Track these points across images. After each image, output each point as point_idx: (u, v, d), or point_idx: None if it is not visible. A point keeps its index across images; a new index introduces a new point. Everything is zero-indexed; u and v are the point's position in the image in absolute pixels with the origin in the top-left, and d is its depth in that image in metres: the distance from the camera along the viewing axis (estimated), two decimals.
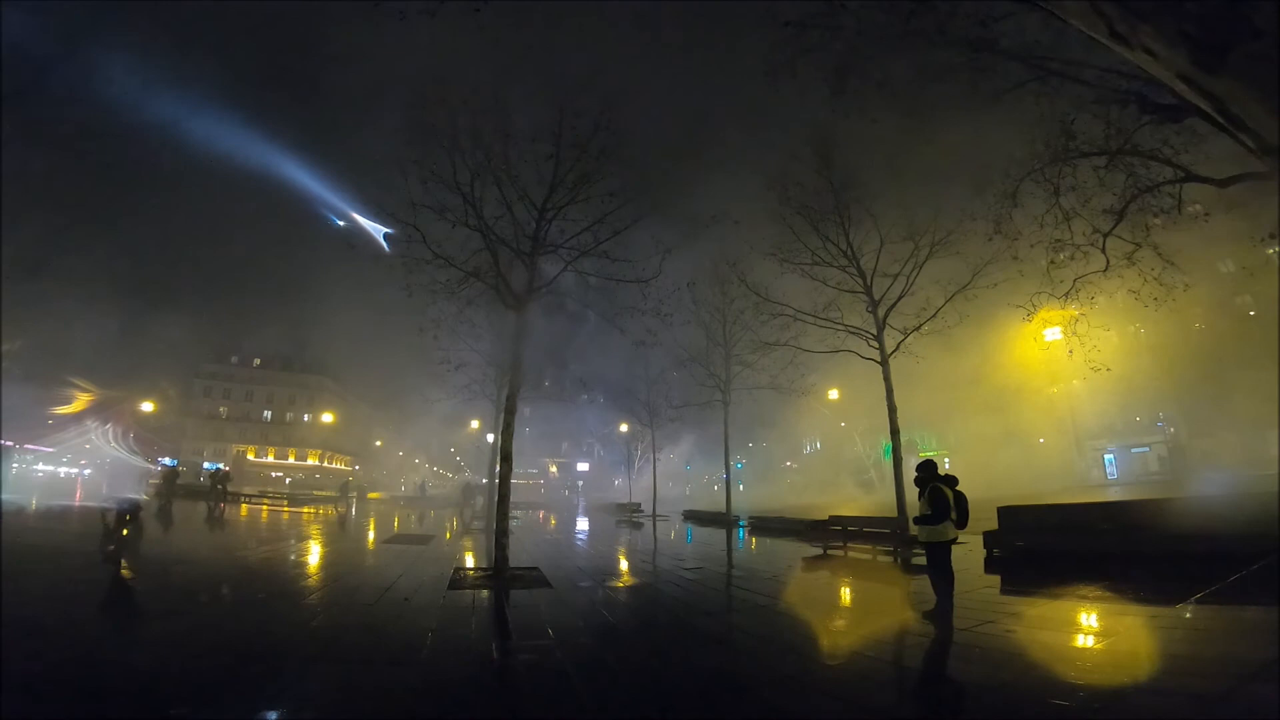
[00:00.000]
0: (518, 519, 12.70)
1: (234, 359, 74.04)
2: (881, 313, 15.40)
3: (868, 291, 15.54)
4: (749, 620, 7.19)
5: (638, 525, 25.22)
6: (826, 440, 59.09)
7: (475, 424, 34.77)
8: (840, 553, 13.17)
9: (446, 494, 36.97)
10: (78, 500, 22.85)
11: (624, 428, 41.35)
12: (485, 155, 9.83)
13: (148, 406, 52.45)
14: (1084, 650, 5.67)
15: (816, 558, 12.88)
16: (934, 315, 14.89)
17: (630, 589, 9.27)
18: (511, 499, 10.69)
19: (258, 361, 75.01)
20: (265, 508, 27.74)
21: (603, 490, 64.35)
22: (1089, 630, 6.36)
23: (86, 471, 52.36)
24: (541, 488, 75.01)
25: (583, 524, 24.96)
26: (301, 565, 10.69)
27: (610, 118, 10.25)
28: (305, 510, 27.57)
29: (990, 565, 10.52)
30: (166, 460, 46.47)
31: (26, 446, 50.77)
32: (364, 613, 6.72)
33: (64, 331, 49.77)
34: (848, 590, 9.64)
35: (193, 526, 14.54)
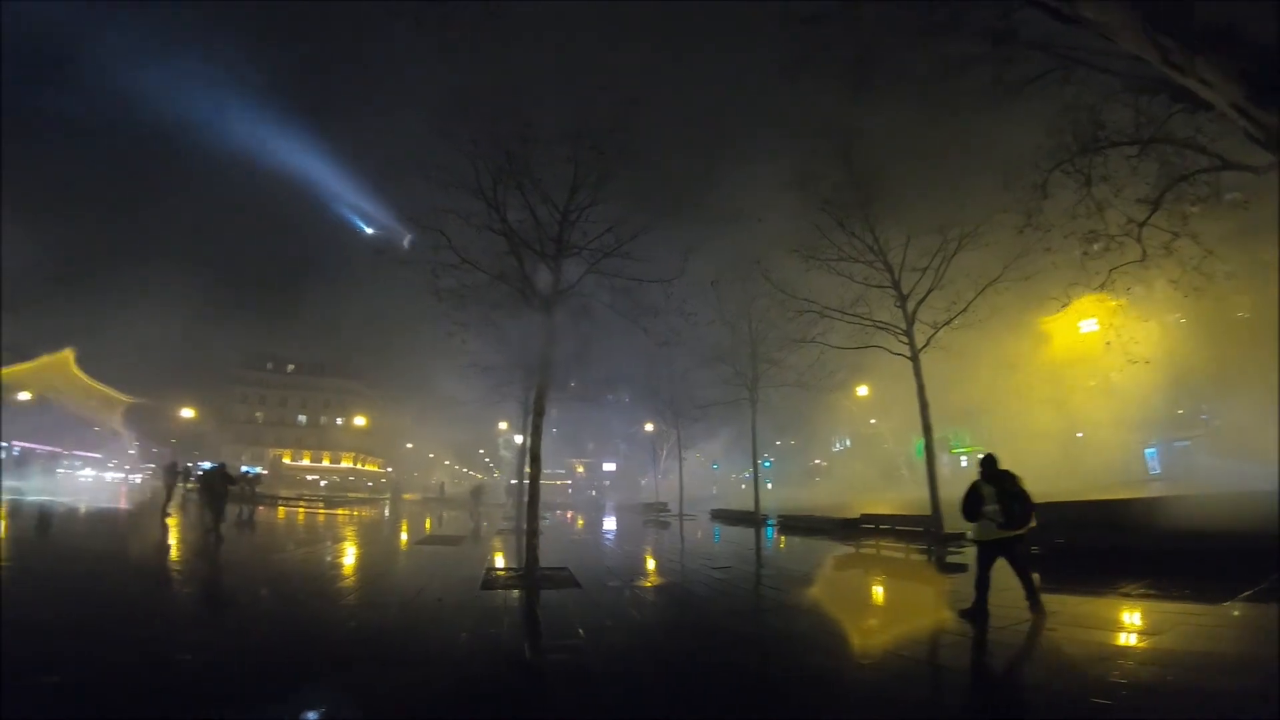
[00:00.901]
0: (546, 519, 12.79)
1: (268, 365, 76.09)
2: (911, 307, 15.13)
3: (896, 286, 15.29)
4: (779, 620, 7.16)
5: (665, 525, 25.22)
6: (856, 438, 58.31)
7: (503, 425, 35.14)
8: (872, 551, 13.01)
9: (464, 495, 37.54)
10: (122, 504, 23.64)
11: (649, 427, 41.36)
12: (506, 159, 9.93)
13: (188, 413, 54.12)
14: (1127, 648, 5.52)
15: (848, 556, 12.75)
16: (965, 309, 14.59)
17: (659, 589, 9.28)
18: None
19: (291, 367, 77.02)
20: (302, 510, 28.43)
21: (629, 490, 64.45)
22: (1132, 628, 6.18)
23: (134, 477, 54.20)
24: (568, 488, 75.43)
25: (610, 524, 25.07)
26: (339, 566, 10.91)
27: (627, 118, 10.28)
28: (340, 512, 28.19)
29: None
30: (206, 464, 47.82)
31: (74, 452, 52.76)
32: (400, 613, 6.84)
33: (109, 340, 51.76)
34: (880, 589, 9.52)
35: (229, 529, 14.91)
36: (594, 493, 71.91)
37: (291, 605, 7.27)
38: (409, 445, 79.68)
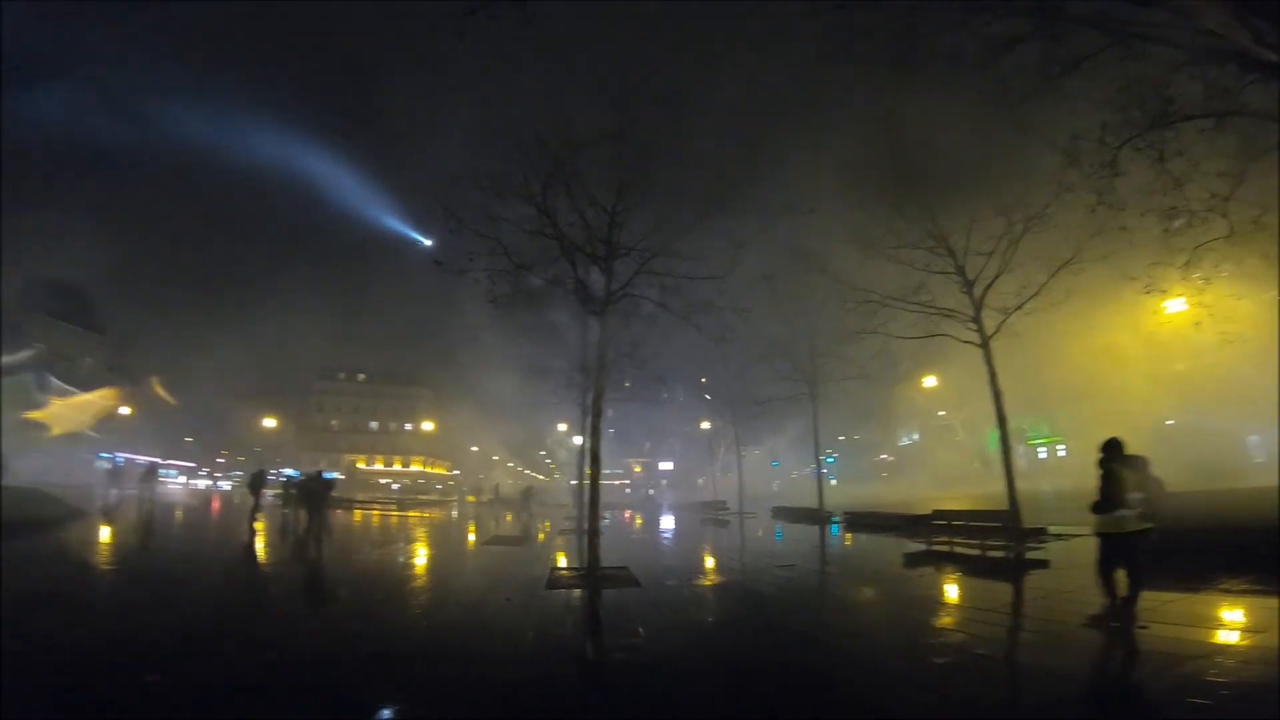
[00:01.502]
0: (605, 519, 12.90)
1: (341, 375, 80.00)
2: (978, 292, 14.45)
3: (960, 272, 14.62)
4: (847, 618, 6.97)
5: (724, 523, 24.98)
6: (925, 431, 56.17)
7: (562, 427, 35.64)
8: (945, 548, 12.50)
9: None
10: (215, 510, 25.26)
11: (705, 425, 41.08)
12: (553, 164, 10.05)
13: (270, 423, 57.53)
14: (1226, 647, 5.10)
15: (919, 554, 12.29)
16: (1037, 293, 13.81)
17: (719, 587, 9.19)
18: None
19: (362, 376, 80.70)
20: (376, 513, 29.68)
21: (687, 489, 64.21)
22: (1233, 625, 5.71)
23: (223, 484, 57.97)
24: (626, 488, 75.79)
25: (668, 523, 25.03)
26: (413, 567, 11.32)
27: (666, 116, 10.24)
28: (411, 514, 29.28)
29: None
30: (288, 471, 50.61)
31: (170, 462, 56.81)
32: (471, 612, 7.05)
33: (198, 357, 55.68)
34: (955, 587, 9.14)
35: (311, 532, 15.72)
36: (651, 492, 71.97)
37: (371, 605, 7.58)
38: (474, 448, 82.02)
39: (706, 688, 4.48)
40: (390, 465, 77.12)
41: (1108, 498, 5.85)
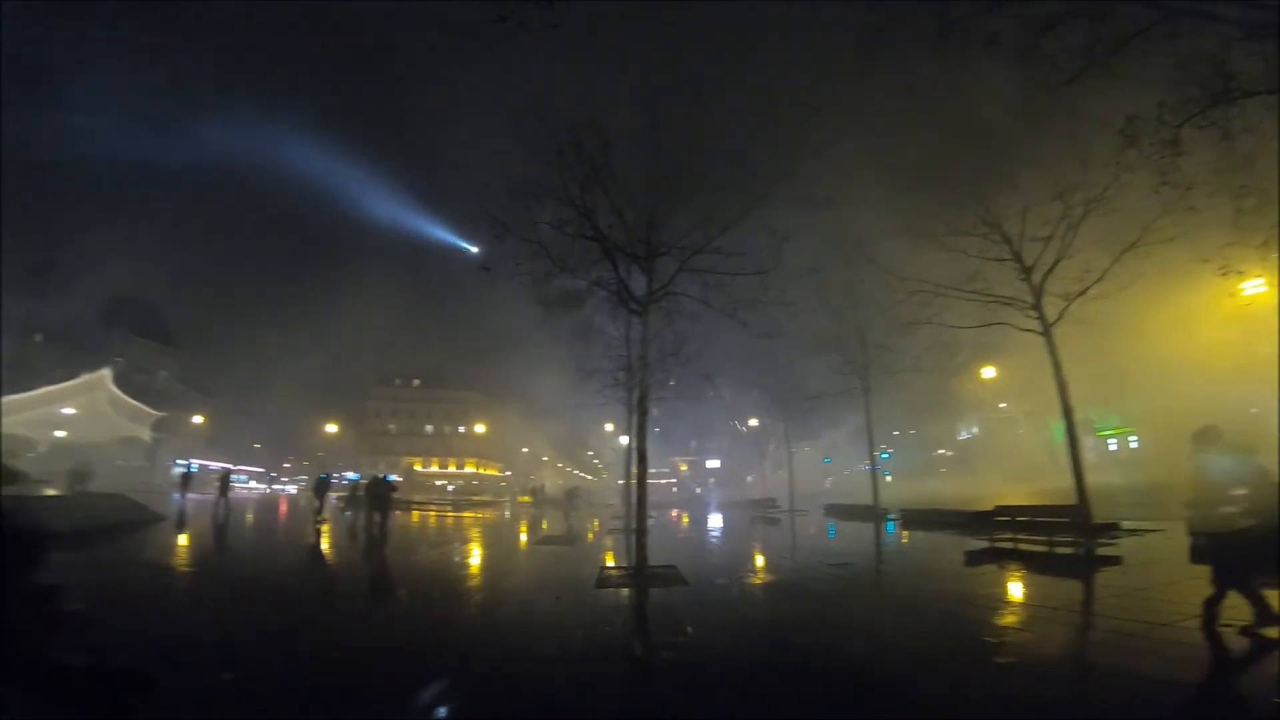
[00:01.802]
0: (653, 518, 12.88)
1: (397, 381, 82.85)
2: (1037, 279, 13.84)
3: (1017, 258, 14.04)
4: (905, 617, 6.73)
5: (774, 521, 24.61)
6: (985, 424, 54.13)
7: (609, 427, 35.79)
8: (1009, 545, 11.99)
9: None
10: (282, 515, 26.42)
11: (753, 422, 40.60)
12: (589, 165, 10.09)
13: (331, 428, 59.96)
14: None
15: (981, 551, 11.82)
16: (1100, 278, 13.12)
17: (769, 586, 9.04)
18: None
19: (417, 382, 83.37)
20: (433, 514, 30.52)
21: (735, 487, 63.61)
22: None
23: (290, 489, 60.72)
24: (673, 487, 75.65)
25: (716, 521, 24.81)
26: (468, 566, 11.58)
27: (703, 112, 10.15)
28: (466, 515, 29.97)
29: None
30: (350, 475, 52.60)
31: (240, 467, 59.85)
32: (522, 610, 7.16)
33: (267, 370, 58.56)
34: (1020, 585, 8.75)
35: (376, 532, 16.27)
36: (699, 490, 71.64)
37: (428, 603, 7.79)
38: (524, 450, 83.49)
39: (756, 687, 4.41)
40: (445, 467, 79.28)
41: (1204, 492, 5.34)
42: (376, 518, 14.89)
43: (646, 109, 10.31)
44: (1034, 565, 10.07)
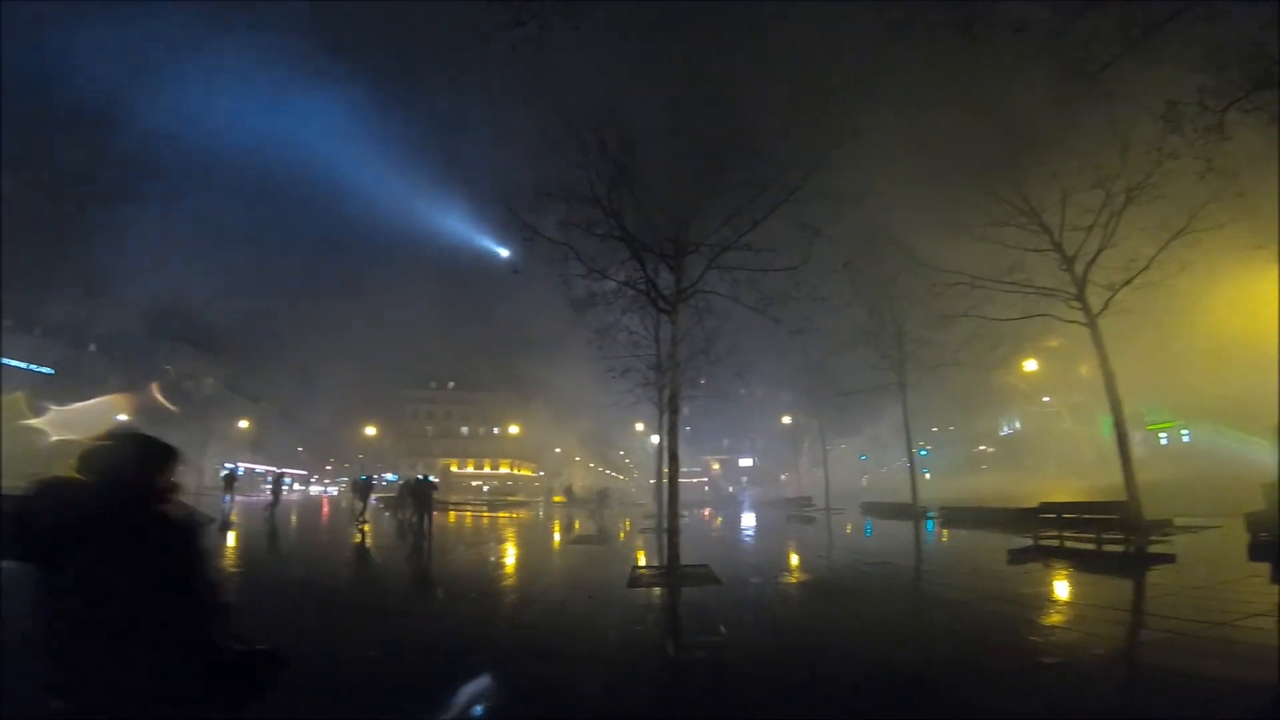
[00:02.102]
0: (685, 517, 12.89)
1: (432, 384, 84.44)
2: (1080, 269, 13.40)
3: (1058, 248, 13.62)
4: (944, 616, 6.58)
5: (809, 520, 24.30)
6: (1027, 419, 52.54)
7: (640, 426, 35.77)
8: (1054, 543, 11.64)
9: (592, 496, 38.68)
10: (325, 516, 27.13)
11: (787, 420, 40.12)
12: (615, 166, 10.11)
13: (370, 431, 61.42)
14: None
15: (1025, 550, 11.50)
16: (1147, 266, 12.64)
17: (803, 585, 8.95)
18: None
19: (452, 384, 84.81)
20: (469, 514, 30.99)
21: (769, 486, 63.04)
22: None
23: (332, 490, 62.37)
24: (705, 486, 75.30)
25: (749, 520, 24.62)
26: (504, 566, 11.71)
27: (724, 109, 10.07)
28: (501, 515, 30.36)
29: (1256, 552, 8.69)
30: (389, 475, 53.78)
31: (285, 470, 61.72)
32: (556, 610, 7.19)
33: (309, 375, 60.35)
34: (1067, 584, 8.49)
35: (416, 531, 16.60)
36: (731, 489, 71.18)
37: (466, 603, 7.89)
38: (557, 450, 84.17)
39: (791, 688, 4.36)
40: (480, 468, 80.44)
41: None
42: (416, 518, 15.23)
43: (671, 107, 10.30)
44: (1081, 564, 9.75)
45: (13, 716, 3.32)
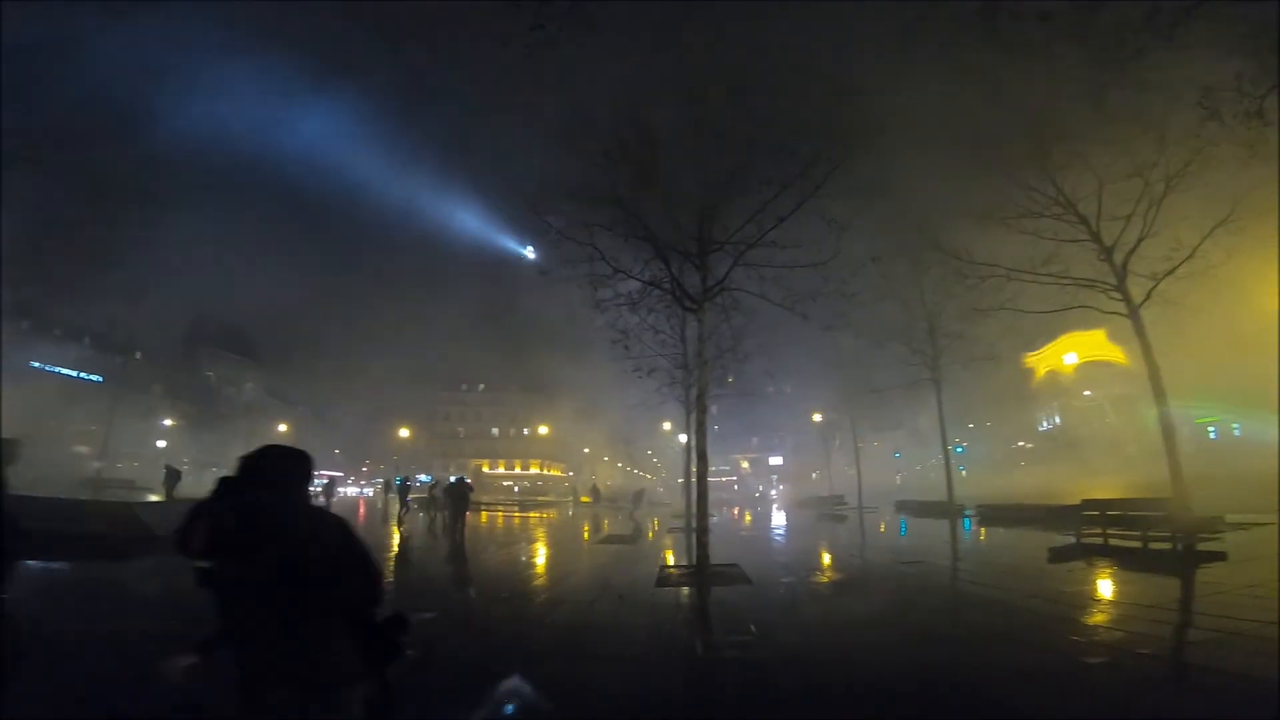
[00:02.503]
0: (714, 516, 12.86)
1: (463, 386, 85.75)
2: (1119, 259, 13.03)
3: (1095, 238, 13.27)
4: (982, 615, 6.44)
5: (842, 519, 24.00)
6: (1067, 413, 51.08)
7: (667, 425, 35.67)
8: (1097, 540, 11.30)
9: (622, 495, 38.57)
10: (361, 516, 27.68)
11: (818, 417, 39.65)
12: (636, 166, 10.11)
13: (404, 433, 62.62)
14: None
15: (1067, 548, 11.20)
16: (1190, 255, 12.23)
17: (836, 584, 8.84)
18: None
19: (483, 386, 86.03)
20: (500, 514, 31.34)
21: (799, 484, 62.41)
22: None
23: (368, 491, 63.65)
24: (734, 485, 74.89)
25: (780, 520, 24.40)
26: (533, 565, 11.81)
27: (745, 105, 10.00)
28: (531, 515, 30.63)
29: None
30: (423, 477, 54.68)
31: (323, 472, 63.26)
32: (586, 610, 7.15)
33: (345, 383, 61.92)
34: (1111, 583, 8.25)
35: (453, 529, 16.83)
36: (761, 488, 70.65)
37: (496, 603, 7.94)
38: (585, 450, 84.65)
39: (824, 688, 4.30)
40: (511, 469, 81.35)
41: None
42: (451, 518, 15.54)
43: (692, 104, 10.27)
44: (1127, 562, 9.45)
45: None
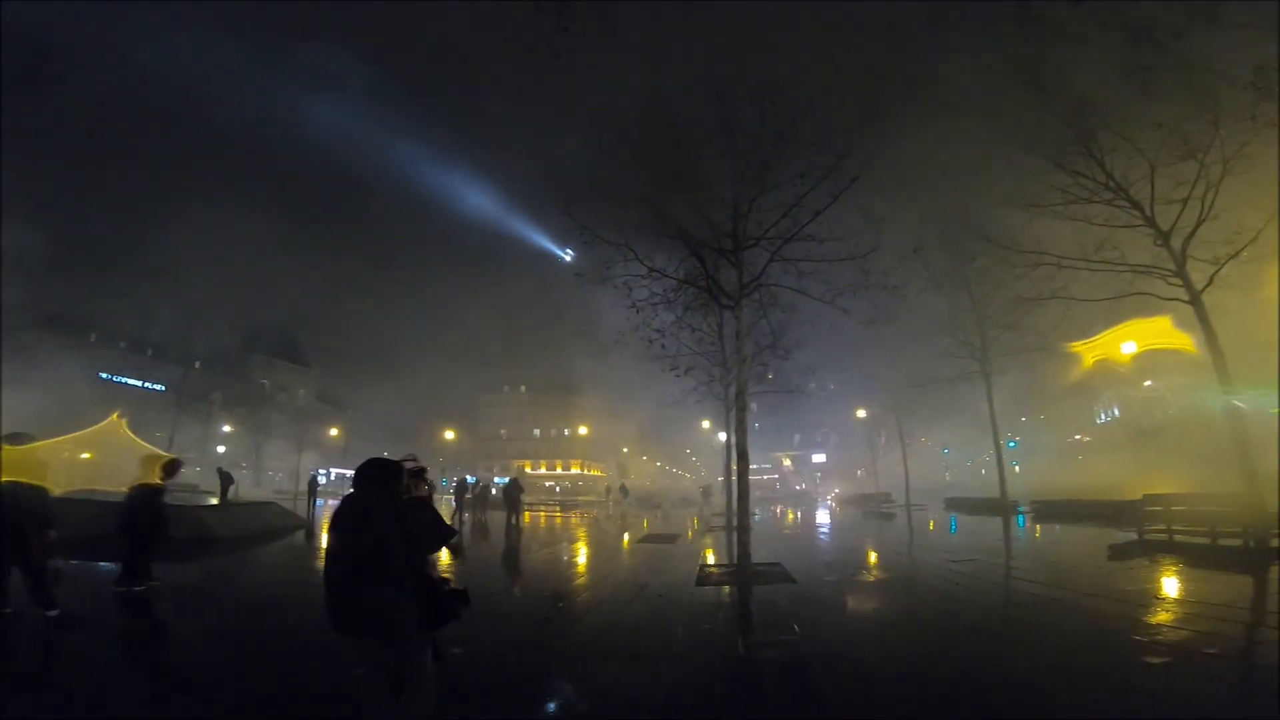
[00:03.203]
0: (755, 515, 12.74)
1: (505, 388, 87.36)
2: (1178, 244, 12.46)
3: (1150, 223, 12.72)
4: (1037, 615, 6.22)
5: (888, 517, 23.48)
6: (1127, 405, 48.71)
7: (705, 424, 35.49)
8: (1162, 537, 10.81)
9: (645, 496, 38.39)
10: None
11: (862, 413, 38.87)
12: (667, 164, 10.11)
13: (449, 435, 64.06)
14: None
15: (1128, 545, 10.77)
16: (1254, 239, 11.62)
17: (883, 583, 8.66)
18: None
19: (524, 388, 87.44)
20: (542, 513, 31.76)
21: (844, 482, 61.25)
22: None
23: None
24: (776, 483, 74.01)
25: (823, 518, 24.03)
26: (575, 565, 11.91)
27: (774, 100, 9.88)
28: (573, 515, 30.93)
29: None
30: (468, 478, 55.77)
31: None
32: (625, 609, 7.18)
33: (393, 386, 63.79)
34: (1177, 581, 7.86)
35: (496, 533, 17.15)
36: (802, 486, 69.61)
37: (540, 603, 8.03)
38: (624, 450, 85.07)
39: (871, 690, 4.23)
40: (552, 469, 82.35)
41: None
42: (509, 516, 16.05)
43: (720, 100, 10.22)
44: (1194, 559, 9.02)
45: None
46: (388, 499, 2.93)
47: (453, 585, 3.07)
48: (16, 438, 5.68)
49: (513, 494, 16.36)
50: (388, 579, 2.73)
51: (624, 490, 36.15)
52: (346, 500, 2.96)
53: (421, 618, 2.83)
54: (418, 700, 2.86)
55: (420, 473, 3.61)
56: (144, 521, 7.19)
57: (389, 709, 2.78)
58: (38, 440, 6.05)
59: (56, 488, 5.78)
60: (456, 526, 8.57)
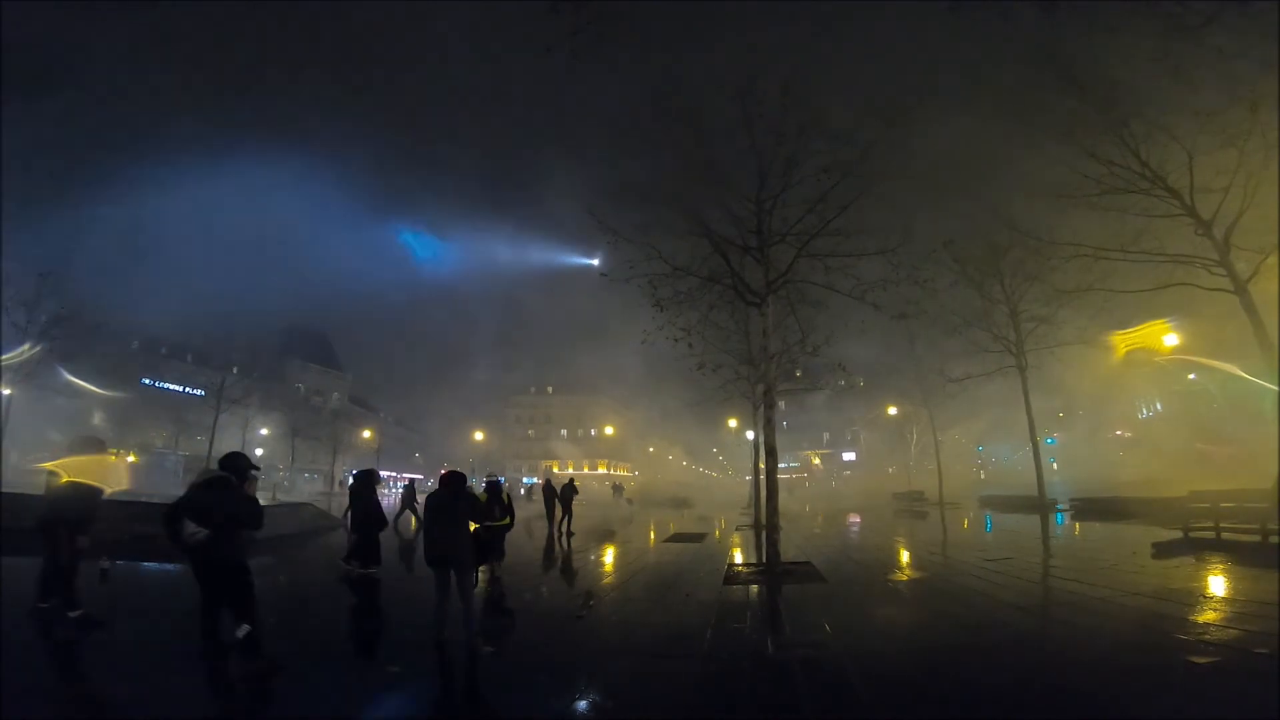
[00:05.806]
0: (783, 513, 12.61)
1: (532, 390, 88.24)
2: (1220, 233, 12.08)
3: (1190, 212, 12.35)
4: (1076, 614, 6.05)
5: (921, 515, 23.08)
6: (1169, 400, 47.12)
7: (733, 422, 35.24)
8: (1209, 535, 10.47)
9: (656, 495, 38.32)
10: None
11: (893, 410, 38.25)
12: (689, 161, 10.09)
13: (479, 436, 64.91)
14: None
15: (1172, 543, 10.43)
16: None
17: (917, 583, 8.53)
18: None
19: (550, 389, 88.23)
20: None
21: (875, 480, 60.35)
22: None
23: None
24: (805, 482, 73.24)
25: (854, 516, 23.71)
26: (602, 564, 11.93)
27: (795, 94, 9.80)
28: (597, 516, 31.00)
29: None
30: (499, 478, 56.34)
31: (403, 475, 66.25)
32: (652, 607, 7.20)
33: (422, 390, 64.69)
34: (1224, 580, 7.63)
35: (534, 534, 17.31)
36: (834, 484, 68.77)
37: (566, 598, 8.11)
38: (650, 449, 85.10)
39: (904, 692, 4.16)
40: (579, 469, 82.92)
41: None
42: (560, 516, 16.27)
43: (742, 93, 10.16)
44: (1242, 557, 8.71)
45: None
46: (460, 494, 5.46)
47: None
48: (89, 443, 5.89)
49: (566, 495, 16.74)
50: (458, 535, 5.20)
51: (618, 489, 36.56)
52: (435, 493, 5.50)
53: (473, 557, 5.44)
54: (468, 605, 5.14)
55: (496, 485, 6.67)
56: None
57: (445, 607, 5.15)
58: (107, 447, 6.25)
59: (113, 488, 5.93)
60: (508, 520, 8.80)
